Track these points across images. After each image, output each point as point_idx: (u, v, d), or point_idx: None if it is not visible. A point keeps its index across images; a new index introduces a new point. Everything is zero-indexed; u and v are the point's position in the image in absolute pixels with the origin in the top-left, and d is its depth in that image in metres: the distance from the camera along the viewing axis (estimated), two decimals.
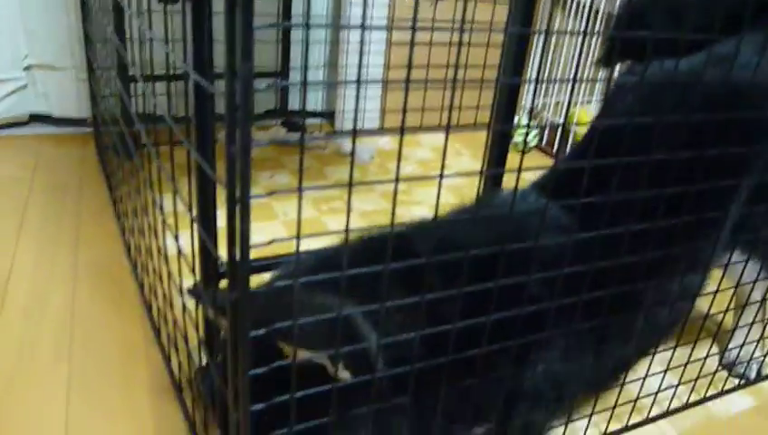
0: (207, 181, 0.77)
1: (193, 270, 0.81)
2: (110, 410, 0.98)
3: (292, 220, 1.62)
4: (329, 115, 2.34)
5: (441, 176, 0.61)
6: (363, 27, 0.52)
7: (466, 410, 0.77)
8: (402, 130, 0.57)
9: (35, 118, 2.06)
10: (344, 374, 0.71)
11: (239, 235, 0.52)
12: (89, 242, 1.43)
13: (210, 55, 0.60)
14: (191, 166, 0.71)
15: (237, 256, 0.53)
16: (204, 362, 0.84)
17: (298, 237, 0.58)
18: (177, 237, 0.81)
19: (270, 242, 0.62)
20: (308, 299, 0.72)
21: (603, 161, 0.69)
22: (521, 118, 2.22)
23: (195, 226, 0.73)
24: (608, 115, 0.99)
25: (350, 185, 0.58)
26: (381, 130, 2.30)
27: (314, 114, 2.33)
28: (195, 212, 0.68)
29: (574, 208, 0.78)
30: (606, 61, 1.13)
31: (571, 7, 2.20)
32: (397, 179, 0.59)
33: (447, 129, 0.62)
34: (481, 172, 0.99)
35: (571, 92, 2.17)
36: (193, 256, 0.80)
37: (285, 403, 0.63)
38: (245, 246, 0.53)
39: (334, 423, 0.68)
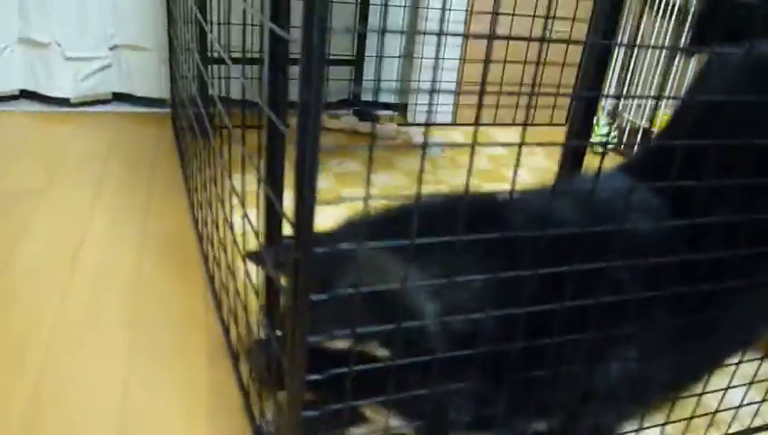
0: (277, 133, 0.74)
1: (258, 240, 0.79)
2: (167, 376, 0.98)
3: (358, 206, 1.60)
4: (402, 107, 2.32)
5: (515, 172, 0.57)
6: (440, 34, 0.49)
7: (530, 401, 0.72)
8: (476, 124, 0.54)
9: (117, 96, 2.12)
10: (382, 352, 0.67)
11: (306, 182, 0.49)
12: (158, 215, 1.45)
13: (287, 4, 0.58)
14: (262, 122, 0.70)
15: (302, 209, 0.51)
16: (262, 334, 0.83)
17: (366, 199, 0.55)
18: (245, 214, 0.80)
19: (341, 201, 0.60)
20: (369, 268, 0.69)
21: (698, 142, 0.63)
22: (600, 118, 2.13)
23: (262, 186, 0.71)
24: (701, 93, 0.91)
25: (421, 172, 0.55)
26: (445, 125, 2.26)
27: (387, 106, 2.31)
28: (263, 172, 0.67)
29: (664, 193, 0.72)
30: (698, 41, 1.05)
31: (659, 6, 2.10)
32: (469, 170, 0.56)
33: (524, 125, 0.58)
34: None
35: (658, 100, 2.07)
36: (258, 230, 0.79)
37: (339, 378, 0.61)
38: (311, 195, 0.50)
39: (389, 401, 0.65)
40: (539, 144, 0.59)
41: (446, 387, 0.67)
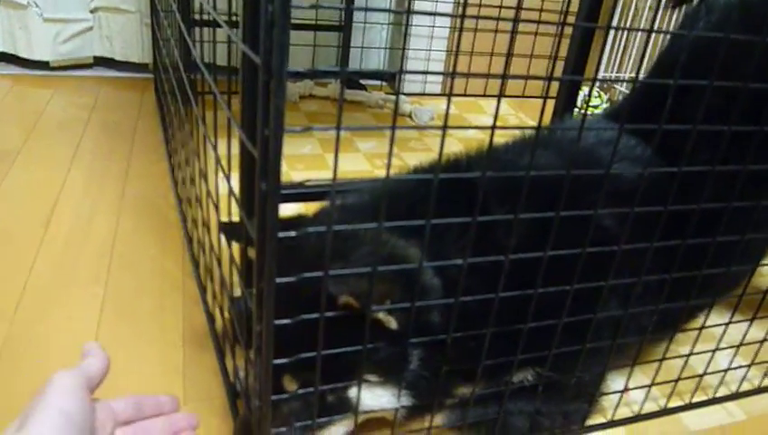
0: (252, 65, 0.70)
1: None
2: (140, 333, 0.95)
3: (344, 171, 1.56)
4: (390, 76, 2.28)
5: (494, 126, 0.54)
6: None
7: (514, 352, 0.70)
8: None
9: (99, 61, 2.07)
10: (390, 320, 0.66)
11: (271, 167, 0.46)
12: (138, 177, 1.41)
13: None
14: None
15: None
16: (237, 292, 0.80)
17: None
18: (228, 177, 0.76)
19: (305, 181, 0.57)
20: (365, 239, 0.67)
21: (688, 82, 0.60)
22: (591, 90, 2.09)
23: (241, 136, 0.67)
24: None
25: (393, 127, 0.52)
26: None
27: (375, 74, 2.27)
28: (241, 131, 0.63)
29: (650, 140, 0.69)
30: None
31: None
32: (444, 126, 0.53)
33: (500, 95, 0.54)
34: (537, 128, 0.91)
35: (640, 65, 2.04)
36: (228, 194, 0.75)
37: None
38: (280, 126, 0.47)
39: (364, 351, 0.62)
40: (511, 128, 0.56)
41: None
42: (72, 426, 0.52)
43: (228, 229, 0.78)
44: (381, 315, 0.67)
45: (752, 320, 0.90)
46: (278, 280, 0.53)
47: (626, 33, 2.20)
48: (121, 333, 0.94)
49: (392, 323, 0.67)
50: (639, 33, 2.15)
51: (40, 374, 0.85)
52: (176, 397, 0.69)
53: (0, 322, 0.93)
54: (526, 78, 2.17)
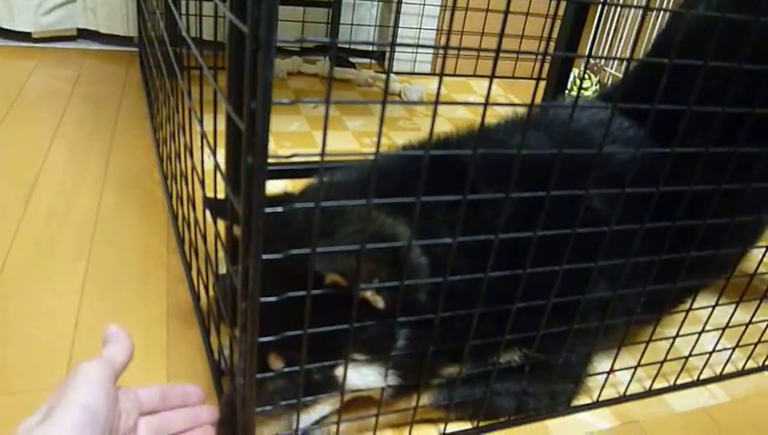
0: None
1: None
2: (122, 311, 0.94)
3: (332, 150, 1.55)
4: (380, 55, 2.25)
5: (486, 104, 0.53)
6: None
7: (501, 333, 0.69)
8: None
9: (82, 33, 2.03)
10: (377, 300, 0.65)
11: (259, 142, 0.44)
12: (121, 152, 1.39)
13: None
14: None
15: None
16: (222, 269, 0.78)
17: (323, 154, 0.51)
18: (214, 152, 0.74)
19: (292, 155, 0.56)
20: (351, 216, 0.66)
21: (683, 61, 0.59)
22: (581, 71, 2.09)
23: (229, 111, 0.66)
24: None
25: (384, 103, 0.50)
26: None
27: (365, 53, 2.24)
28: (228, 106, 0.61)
29: (643, 122, 0.68)
30: None
31: None
32: (436, 102, 0.51)
33: (492, 76, 0.52)
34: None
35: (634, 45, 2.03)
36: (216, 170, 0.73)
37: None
38: (267, 98, 0.45)
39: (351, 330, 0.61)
40: (503, 105, 0.54)
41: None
42: (95, 421, 0.52)
43: (214, 206, 0.76)
44: (368, 295, 0.66)
45: (737, 303, 0.90)
46: (264, 257, 0.52)
47: (617, 14, 2.18)
48: (104, 310, 0.93)
49: (379, 303, 0.66)
50: (631, 14, 2.14)
51: (21, 352, 0.84)
52: (203, 389, 0.69)
53: None
54: (518, 54, 2.17)
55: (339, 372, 0.68)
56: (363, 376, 0.71)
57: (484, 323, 0.66)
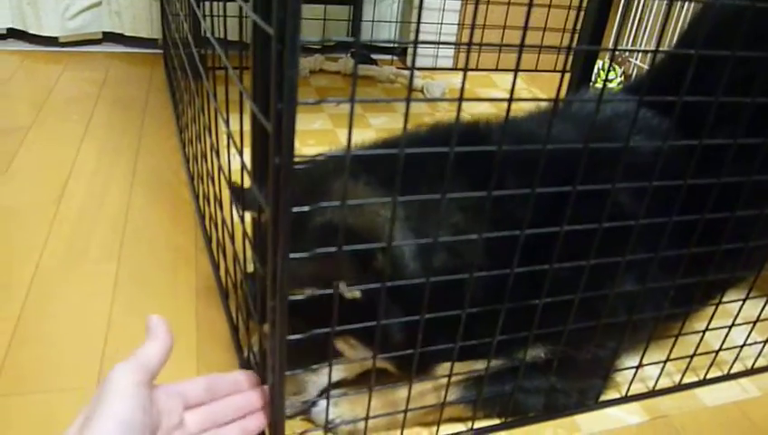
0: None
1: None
2: (152, 310, 0.93)
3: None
4: (401, 50, 2.25)
5: (510, 99, 0.53)
6: None
7: (528, 329, 0.69)
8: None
9: (108, 36, 2.05)
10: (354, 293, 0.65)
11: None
12: (149, 153, 1.41)
13: None
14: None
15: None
16: (250, 267, 0.79)
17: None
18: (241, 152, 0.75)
19: (318, 155, 0.56)
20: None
21: (709, 52, 0.58)
22: (605, 62, 2.06)
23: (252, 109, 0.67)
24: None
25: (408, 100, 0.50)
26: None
27: (386, 50, 2.24)
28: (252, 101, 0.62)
29: (670, 113, 0.67)
30: None
31: None
32: (460, 98, 0.51)
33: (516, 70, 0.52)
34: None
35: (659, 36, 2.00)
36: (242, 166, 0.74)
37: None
38: (293, 98, 0.46)
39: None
40: (526, 100, 0.54)
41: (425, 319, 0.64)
42: (131, 432, 0.52)
43: (239, 195, 0.76)
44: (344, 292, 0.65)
45: (766, 300, 0.89)
46: (292, 255, 0.53)
47: (641, 5, 2.15)
48: (135, 309, 0.95)
49: (356, 295, 0.66)
50: (655, 5, 2.11)
51: (54, 351, 0.86)
52: (253, 374, 0.66)
53: (14, 301, 0.94)
54: (540, 48, 2.16)
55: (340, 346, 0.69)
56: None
57: (506, 319, 0.66)
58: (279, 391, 0.62)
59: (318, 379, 0.77)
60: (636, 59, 2.17)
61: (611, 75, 2.12)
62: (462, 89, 0.52)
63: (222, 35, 0.76)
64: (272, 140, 0.49)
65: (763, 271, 0.85)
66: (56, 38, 1.96)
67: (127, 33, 2.02)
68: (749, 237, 0.74)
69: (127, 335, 0.89)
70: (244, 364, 0.85)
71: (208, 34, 0.84)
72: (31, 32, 1.95)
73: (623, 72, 2.20)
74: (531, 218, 0.59)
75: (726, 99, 0.61)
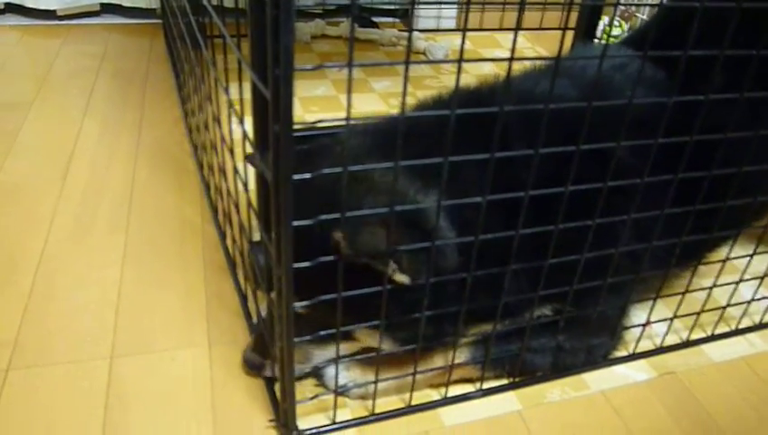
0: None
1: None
2: (162, 280, 0.96)
3: (359, 112, 1.54)
4: (403, 13, 2.22)
5: (511, 59, 0.52)
6: None
7: (537, 288, 0.69)
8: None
9: (106, 8, 2.03)
10: (402, 277, 0.64)
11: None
12: (152, 125, 1.40)
13: None
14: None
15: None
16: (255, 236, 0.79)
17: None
18: (241, 120, 0.75)
19: (317, 121, 0.56)
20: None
21: (714, 4, 0.57)
22: (612, 17, 2.03)
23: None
24: None
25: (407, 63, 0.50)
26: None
27: (388, 12, 2.21)
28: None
29: (671, 68, 0.66)
30: None
31: None
32: (460, 59, 0.50)
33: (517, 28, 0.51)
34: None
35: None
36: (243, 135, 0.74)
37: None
38: (290, 64, 0.45)
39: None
40: (529, 59, 0.53)
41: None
42: None
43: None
44: (393, 274, 0.65)
45: None
46: (294, 223, 0.53)
47: None
48: (144, 280, 0.95)
49: (405, 280, 0.66)
50: None
51: (68, 323, 0.87)
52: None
53: (24, 275, 0.94)
54: (544, 4, 2.12)
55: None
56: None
57: (514, 279, 0.66)
58: (288, 357, 0.62)
59: (324, 352, 0.76)
60: (643, 13, 2.13)
61: (617, 31, 2.08)
62: (461, 49, 0.51)
63: (220, 2, 0.75)
64: (270, 107, 0.49)
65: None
66: (54, 11, 1.94)
67: (125, 4, 2.00)
68: (755, 190, 0.73)
69: (138, 306, 0.90)
70: (253, 330, 0.86)
71: (205, 2, 0.83)
72: (28, 5, 1.93)
73: (630, 28, 2.16)
74: (539, 175, 0.59)
75: (732, 52, 0.60)
